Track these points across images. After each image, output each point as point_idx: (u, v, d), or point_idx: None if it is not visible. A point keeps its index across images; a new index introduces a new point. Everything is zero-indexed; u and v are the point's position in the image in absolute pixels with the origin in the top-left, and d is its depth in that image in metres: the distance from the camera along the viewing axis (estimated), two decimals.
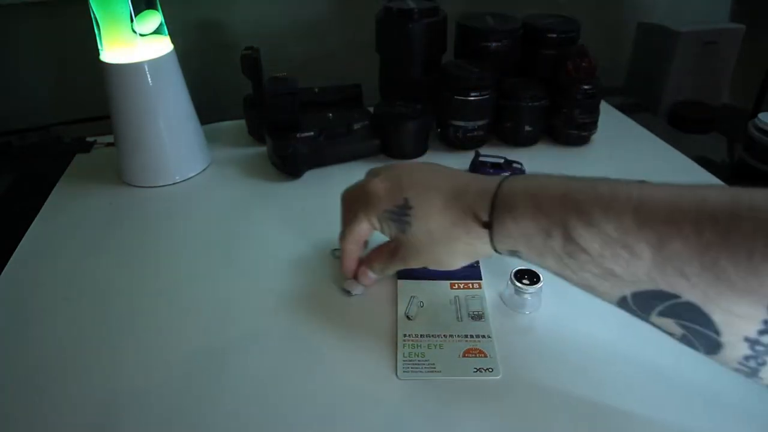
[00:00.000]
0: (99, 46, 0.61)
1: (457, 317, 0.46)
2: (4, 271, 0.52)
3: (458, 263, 0.41)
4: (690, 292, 0.28)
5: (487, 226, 0.36)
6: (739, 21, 0.97)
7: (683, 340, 0.31)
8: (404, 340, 0.43)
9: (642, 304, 0.31)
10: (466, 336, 0.44)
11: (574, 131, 0.71)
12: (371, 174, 0.46)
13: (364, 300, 0.48)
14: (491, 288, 0.48)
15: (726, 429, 0.37)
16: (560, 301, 0.46)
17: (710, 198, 0.28)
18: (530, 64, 0.74)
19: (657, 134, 0.76)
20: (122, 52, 0.60)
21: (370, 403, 0.38)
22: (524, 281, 0.45)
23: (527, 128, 0.71)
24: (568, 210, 0.32)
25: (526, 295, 0.45)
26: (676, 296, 0.29)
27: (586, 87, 0.68)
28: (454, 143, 0.72)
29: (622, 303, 0.32)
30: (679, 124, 0.89)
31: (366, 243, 0.47)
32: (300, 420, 0.37)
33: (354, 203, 0.45)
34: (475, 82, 0.67)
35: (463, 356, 0.42)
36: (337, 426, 0.37)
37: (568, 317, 0.45)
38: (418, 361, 0.41)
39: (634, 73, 1.01)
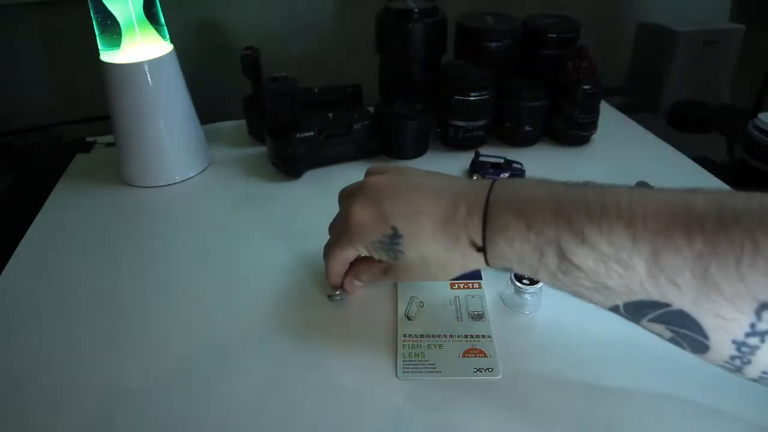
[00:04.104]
0: (99, 46, 0.61)
1: (457, 317, 0.46)
2: (4, 271, 0.52)
3: (453, 275, 0.40)
4: (681, 301, 0.29)
5: (481, 250, 0.36)
6: (739, 21, 0.97)
7: (671, 341, 0.31)
8: (404, 340, 0.43)
9: (634, 312, 0.31)
10: (466, 336, 0.44)
11: (574, 131, 0.71)
12: (348, 197, 0.43)
13: (364, 300, 0.48)
14: (491, 288, 0.48)
15: (725, 428, 0.37)
16: (560, 301, 0.46)
17: (698, 205, 0.28)
18: (530, 64, 0.74)
19: (657, 134, 0.76)
20: (122, 52, 0.60)
21: (370, 403, 0.38)
22: (524, 281, 0.45)
23: (527, 128, 0.71)
24: (560, 228, 0.31)
25: (526, 295, 0.45)
26: (667, 305, 0.29)
27: (586, 87, 0.68)
28: (454, 143, 0.72)
29: (614, 310, 0.32)
30: (679, 124, 0.89)
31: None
32: (300, 420, 0.37)
33: (340, 230, 0.43)
34: (475, 82, 0.67)
35: (463, 356, 0.42)
36: (337, 426, 0.37)
37: (568, 317, 0.45)
38: (418, 361, 0.41)
39: (634, 73, 1.01)
